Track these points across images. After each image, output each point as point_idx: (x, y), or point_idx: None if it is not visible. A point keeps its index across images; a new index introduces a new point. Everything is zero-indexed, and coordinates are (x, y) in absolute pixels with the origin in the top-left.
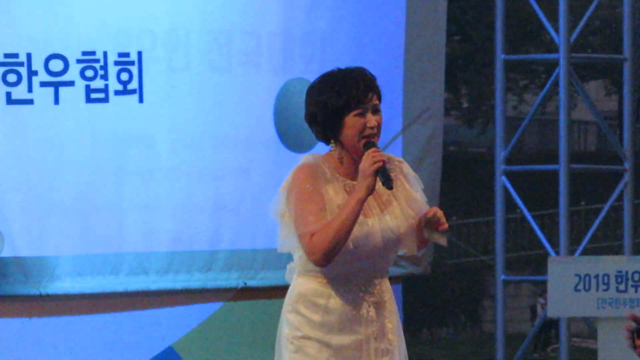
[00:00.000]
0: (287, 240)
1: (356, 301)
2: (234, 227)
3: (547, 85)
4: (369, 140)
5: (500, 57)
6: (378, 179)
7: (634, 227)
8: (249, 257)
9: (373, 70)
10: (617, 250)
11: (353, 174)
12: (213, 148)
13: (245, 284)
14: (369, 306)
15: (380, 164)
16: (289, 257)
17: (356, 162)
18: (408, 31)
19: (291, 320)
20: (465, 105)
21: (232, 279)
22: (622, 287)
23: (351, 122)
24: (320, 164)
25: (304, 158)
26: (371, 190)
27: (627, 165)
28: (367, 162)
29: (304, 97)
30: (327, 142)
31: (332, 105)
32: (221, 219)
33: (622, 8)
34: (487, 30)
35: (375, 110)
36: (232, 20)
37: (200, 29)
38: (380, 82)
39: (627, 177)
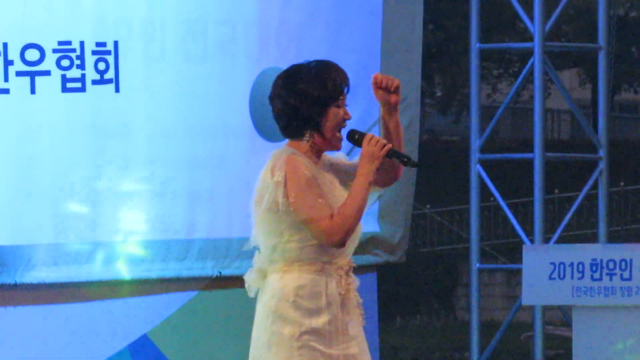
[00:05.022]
0: (270, 232)
1: (346, 286)
2: (210, 216)
3: (522, 74)
4: (353, 129)
5: (475, 45)
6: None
7: (608, 216)
8: (224, 246)
9: (350, 60)
10: (591, 239)
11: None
12: (189, 137)
13: (220, 273)
14: (354, 290)
15: (390, 145)
16: None
17: (320, 153)
18: (385, 21)
19: (292, 316)
20: (438, 93)
21: (207, 268)
22: (597, 275)
23: (333, 112)
24: (299, 154)
25: (281, 151)
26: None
27: (602, 153)
28: (374, 147)
29: None
30: (299, 135)
31: (318, 95)
32: (197, 208)
33: None
34: (461, 20)
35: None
36: (207, 10)
37: (175, 19)
38: (357, 71)
39: (602, 165)
